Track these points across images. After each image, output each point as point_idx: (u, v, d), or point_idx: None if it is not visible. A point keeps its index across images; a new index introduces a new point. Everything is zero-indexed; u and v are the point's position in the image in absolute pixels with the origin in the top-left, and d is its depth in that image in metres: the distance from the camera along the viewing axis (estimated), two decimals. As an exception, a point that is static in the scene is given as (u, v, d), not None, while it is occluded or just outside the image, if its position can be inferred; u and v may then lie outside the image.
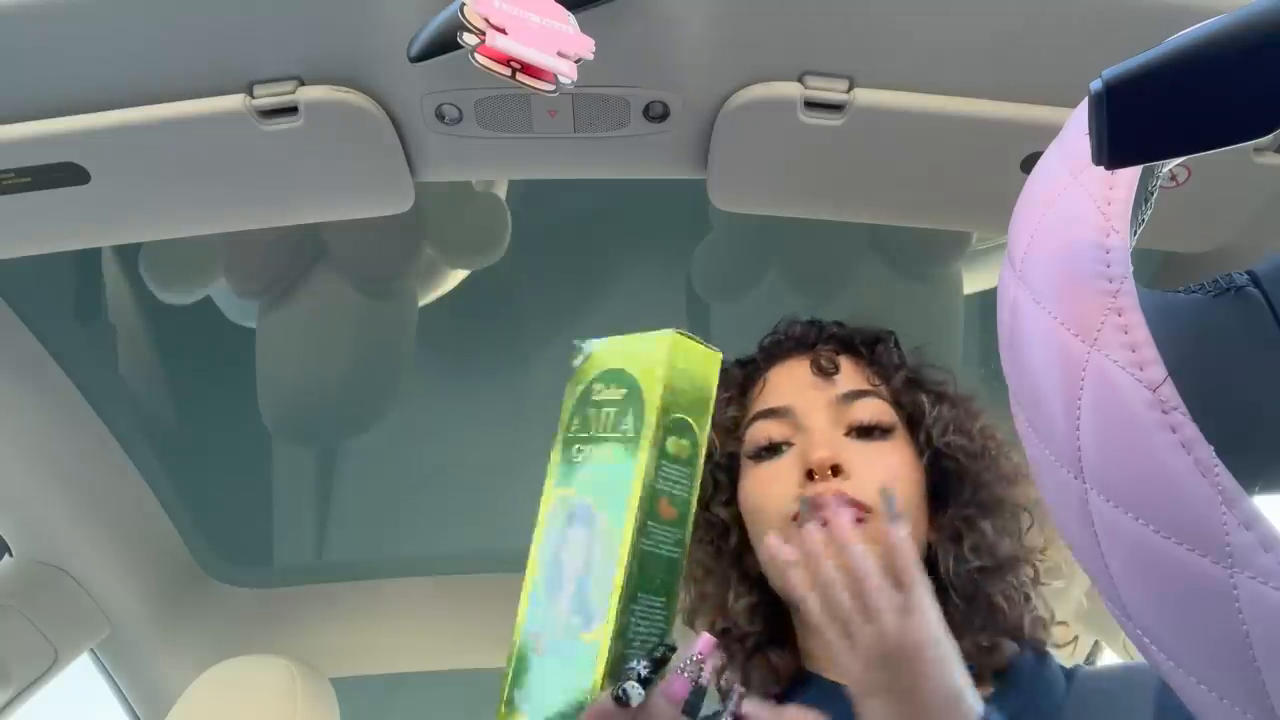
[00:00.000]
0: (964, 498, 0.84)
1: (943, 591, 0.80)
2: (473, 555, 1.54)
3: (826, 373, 0.87)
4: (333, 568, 1.61)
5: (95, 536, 1.29)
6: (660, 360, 0.53)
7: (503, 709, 0.52)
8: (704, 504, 0.85)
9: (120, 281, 1.36)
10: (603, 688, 0.49)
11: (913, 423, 0.87)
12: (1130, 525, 0.34)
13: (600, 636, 0.49)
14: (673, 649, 0.54)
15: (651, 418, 0.51)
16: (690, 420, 0.53)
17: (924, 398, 0.87)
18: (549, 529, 0.53)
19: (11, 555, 1.27)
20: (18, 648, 1.18)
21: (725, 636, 0.84)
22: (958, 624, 0.78)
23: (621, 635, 0.49)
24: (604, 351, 0.56)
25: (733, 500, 0.87)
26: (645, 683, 0.50)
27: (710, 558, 0.87)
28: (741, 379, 0.92)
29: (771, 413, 0.86)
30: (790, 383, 0.88)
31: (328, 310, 1.39)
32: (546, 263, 1.44)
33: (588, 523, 0.51)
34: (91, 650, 1.35)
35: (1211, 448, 0.33)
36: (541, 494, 0.54)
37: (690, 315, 1.48)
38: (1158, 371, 0.35)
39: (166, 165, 0.82)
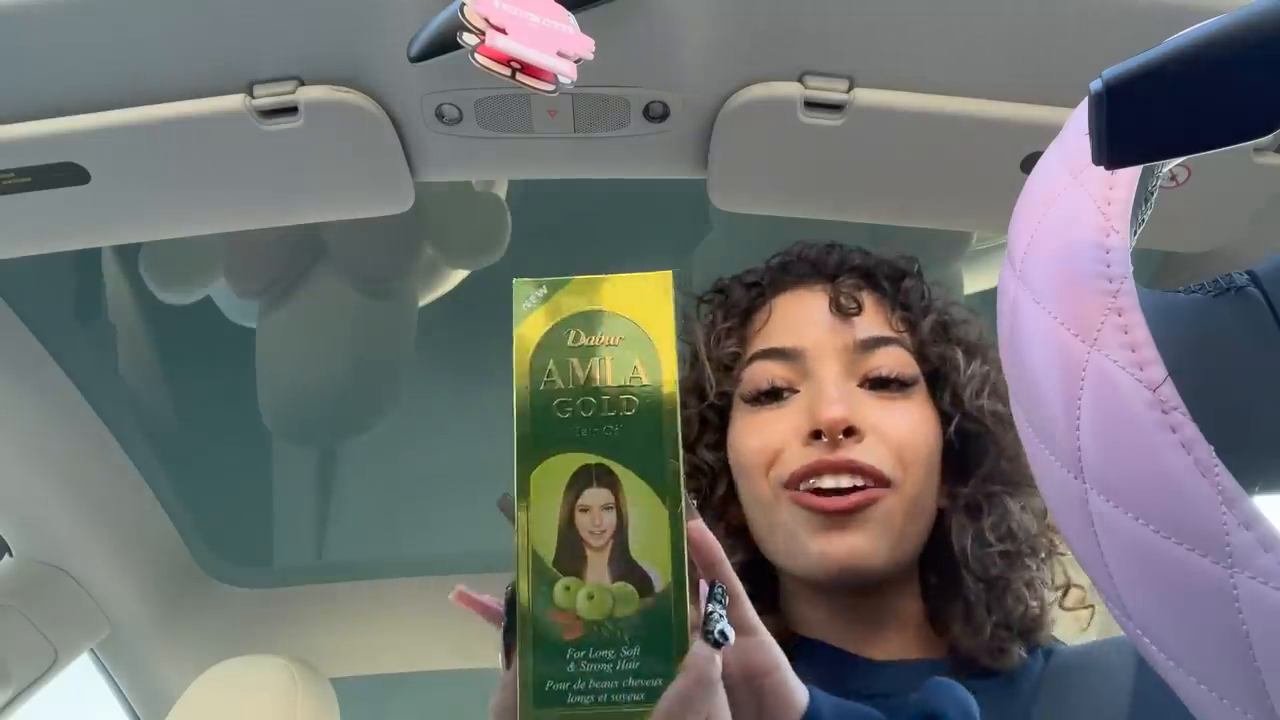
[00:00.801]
0: (987, 469, 0.75)
1: (953, 572, 0.74)
2: (473, 555, 1.54)
3: (846, 311, 0.76)
4: (333, 568, 1.60)
5: (95, 536, 1.29)
6: (662, 298, 0.50)
7: (528, 705, 0.46)
8: (689, 446, 0.77)
9: (120, 281, 1.36)
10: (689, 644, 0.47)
11: (937, 377, 0.77)
12: (1130, 525, 0.34)
13: (672, 595, 0.46)
14: (724, 590, 0.50)
15: (671, 359, 0.49)
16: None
17: (956, 351, 0.76)
18: (540, 498, 0.47)
19: (11, 555, 1.27)
20: (18, 648, 1.18)
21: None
22: (970, 612, 0.73)
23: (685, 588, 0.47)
24: (570, 293, 0.51)
25: (721, 445, 0.78)
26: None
27: (695, 503, 0.74)
28: (745, 304, 0.81)
29: (777, 353, 0.76)
30: (802, 317, 0.77)
31: (328, 310, 1.39)
32: (546, 263, 1.43)
33: (607, 484, 0.47)
34: (91, 650, 1.34)
35: (1211, 448, 0.33)
36: (515, 460, 0.48)
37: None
38: (1158, 371, 0.35)
39: (166, 165, 0.82)
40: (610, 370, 0.49)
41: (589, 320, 0.50)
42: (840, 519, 0.70)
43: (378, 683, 1.55)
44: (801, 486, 0.71)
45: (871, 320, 0.77)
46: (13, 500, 1.23)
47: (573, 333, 0.50)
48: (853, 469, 0.70)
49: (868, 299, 0.78)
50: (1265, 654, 0.31)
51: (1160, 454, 0.34)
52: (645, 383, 0.48)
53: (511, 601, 0.49)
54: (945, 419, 0.76)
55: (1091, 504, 0.36)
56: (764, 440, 0.74)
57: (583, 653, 0.46)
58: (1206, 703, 0.33)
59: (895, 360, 0.75)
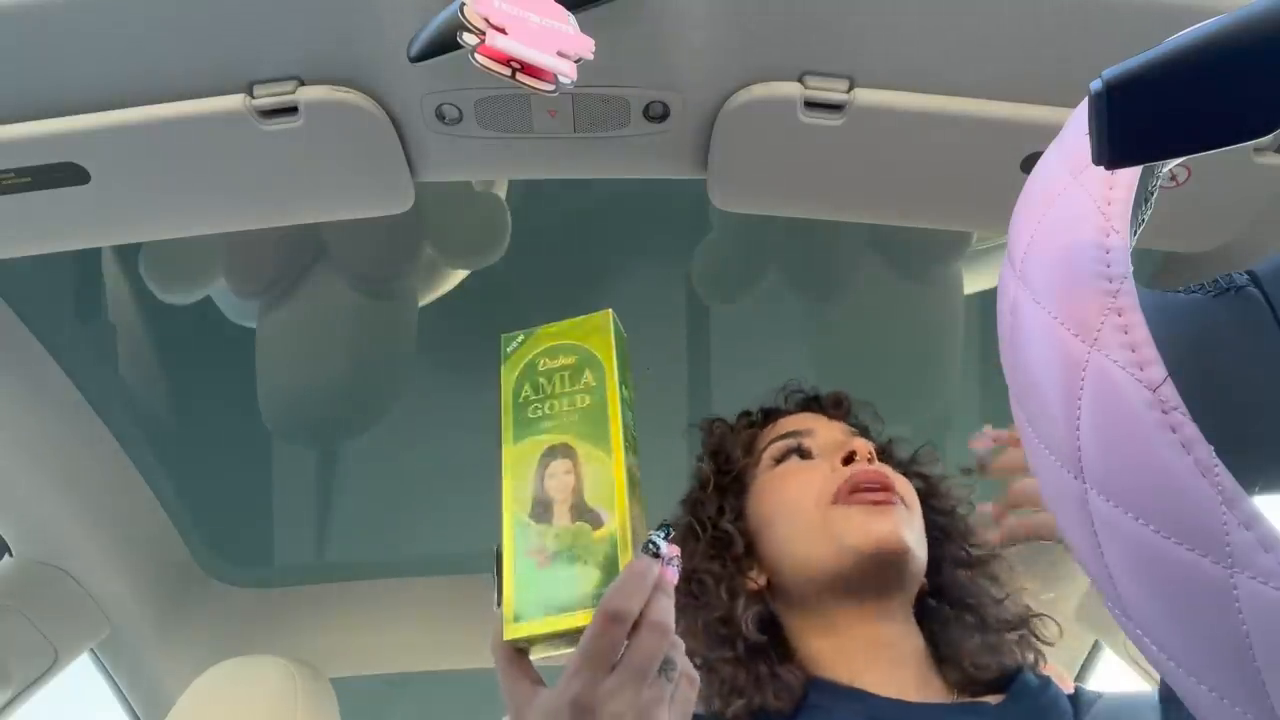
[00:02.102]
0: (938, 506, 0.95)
1: (940, 614, 0.89)
2: (472, 555, 1.54)
3: (835, 415, 0.98)
4: (333, 568, 1.60)
5: (95, 536, 1.29)
6: (605, 327, 0.67)
7: (511, 624, 0.59)
8: (712, 522, 0.93)
9: (120, 281, 1.36)
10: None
11: (905, 471, 0.96)
12: (1130, 525, 0.34)
13: (616, 524, 0.60)
14: (671, 529, 0.62)
15: (613, 367, 0.65)
16: (627, 376, 0.67)
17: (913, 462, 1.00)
18: (519, 475, 0.63)
19: (11, 555, 1.27)
20: (18, 648, 1.18)
21: (727, 657, 0.85)
22: (954, 630, 0.86)
23: (629, 528, 0.60)
24: (539, 335, 0.69)
25: (740, 517, 0.93)
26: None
27: (717, 567, 0.90)
28: (749, 421, 1.01)
29: (796, 433, 0.94)
30: (804, 419, 0.97)
31: (328, 310, 1.39)
32: (546, 263, 1.44)
33: (567, 455, 0.63)
34: (91, 650, 1.35)
35: (1211, 448, 0.33)
36: (501, 455, 0.65)
37: (690, 315, 1.48)
38: (1158, 371, 0.35)
39: (166, 165, 0.82)
40: (568, 380, 0.66)
41: (552, 350, 0.68)
42: (884, 509, 0.85)
43: (378, 683, 1.55)
44: (847, 497, 0.85)
45: (853, 423, 0.99)
46: (13, 500, 1.23)
47: (541, 361, 0.68)
48: (884, 481, 0.86)
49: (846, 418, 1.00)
50: (1265, 654, 0.31)
51: (1160, 454, 0.34)
52: (593, 384, 0.65)
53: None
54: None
55: (1091, 504, 0.36)
56: (803, 481, 0.89)
57: (549, 576, 0.60)
58: (1206, 703, 0.33)
59: (878, 444, 0.94)
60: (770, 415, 1.01)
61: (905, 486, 0.89)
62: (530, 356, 0.68)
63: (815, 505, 0.86)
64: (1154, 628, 0.35)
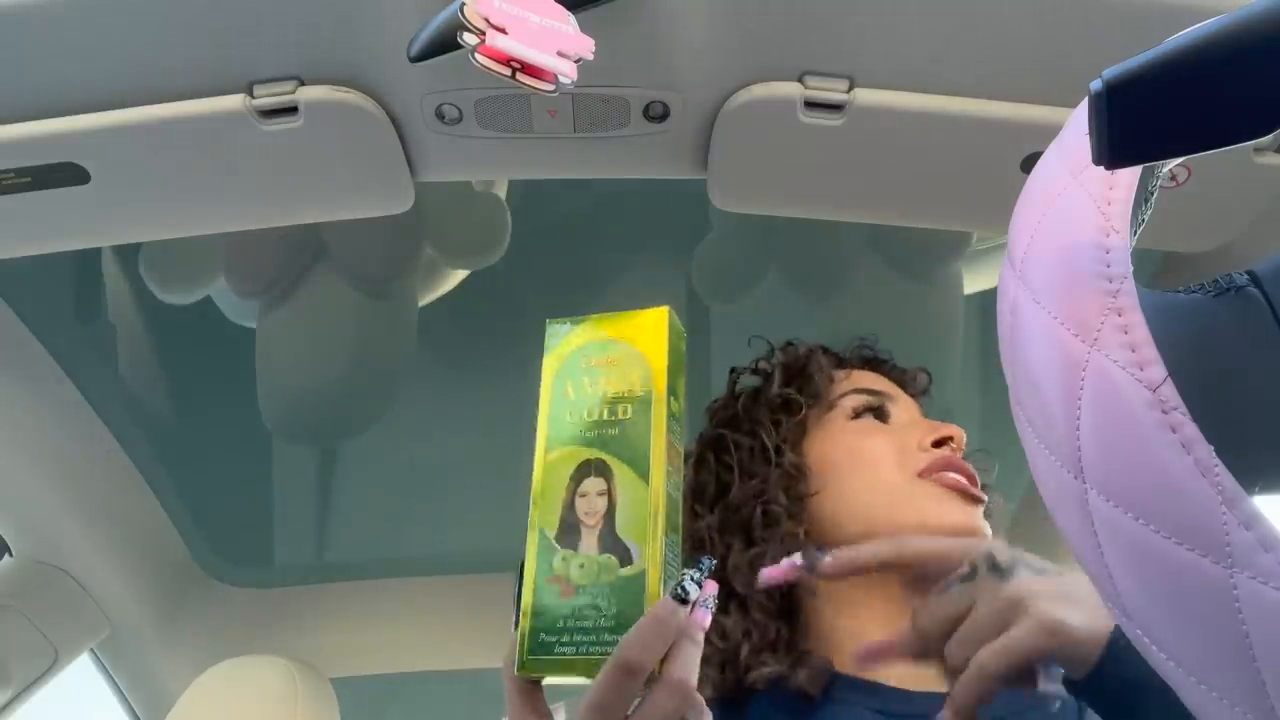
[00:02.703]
0: None
1: None
2: (473, 555, 1.54)
3: (913, 392, 0.95)
4: (333, 568, 1.60)
5: (95, 536, 1.29)
6: (658, 328, 0.61)
7: (525, 657, 0.55)
8: (778, 450, 0.87)
9: (120, 281, 1.36)
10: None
11: None
12: (1130, 525, 0.34)
13: (645, 563, 0.55)
14: (713, 565, 0.57)
15: (663, 378, 0.59)
16: (678, 384, 0.61)
17: None
18: (549, 488, 0.58)
19: (11, 555, 1.27)
20: (18, 648, 1.18)
21: (770, 606, 0.82)
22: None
23: (660, 566, 0.56)
24: (586, 327, 0.63)
25: (798, 448, 0.88)
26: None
27: (783, 502, 0.84)
28: (827, 362, 0.95)
29: (874, 392, 0.91)
30: (885, 382, 0.94)
31: (328, 310, 1.39)
32: (546, 263, 1.44)
33: (603, 474, 0.58)
34: (91, 650, 1.34)
35: (1211, 448, 0.33)
36: (534, 459, 0.59)
37: (690, 315, 1.48)
38: (1158, 371, 0.35)
39: (166, 165, 0.82)
40: (613, 383, 0.60)
41: (599, 347, 0.62)
42: (975, 501, 0.83)
43: (378, 683, 1.55)
44: (937, 477, 0.83)
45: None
46: (13, 500, 1.23)
47: (586, 357, 0.62)
48: (972, 476, 0.83)
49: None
50: (1265, 654, 0.31)
51: (1160, 454, 0.34)
52: (639, 393, 0.59)
53: (521, 573, 0.58)
54: None
55: (1091, 504, 0.36)
56: (884, 443, 0.86)
57: (570, 611, 0.56)
58: (1206, 703, 0.33)
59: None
60: (841, 364, 0.96)
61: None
62: (574, 350, 0.62)
63: (899, 471, 0.83)
64: (1154, 628, 0.35)
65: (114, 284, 1.37)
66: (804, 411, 0.90)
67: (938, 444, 0.84)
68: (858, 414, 0.89)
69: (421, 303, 1.44)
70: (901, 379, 0.96)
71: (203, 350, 1.48)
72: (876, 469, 0.84)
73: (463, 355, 1.55)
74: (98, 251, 1.31)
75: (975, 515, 0.82)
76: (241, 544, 1.55)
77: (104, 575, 1.31)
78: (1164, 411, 0.34)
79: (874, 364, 0.98)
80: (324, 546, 1.65)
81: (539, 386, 0.62)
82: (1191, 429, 0.34)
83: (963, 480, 0.83)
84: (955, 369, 1.41)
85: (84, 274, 1.34)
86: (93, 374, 1.27)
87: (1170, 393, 0.34)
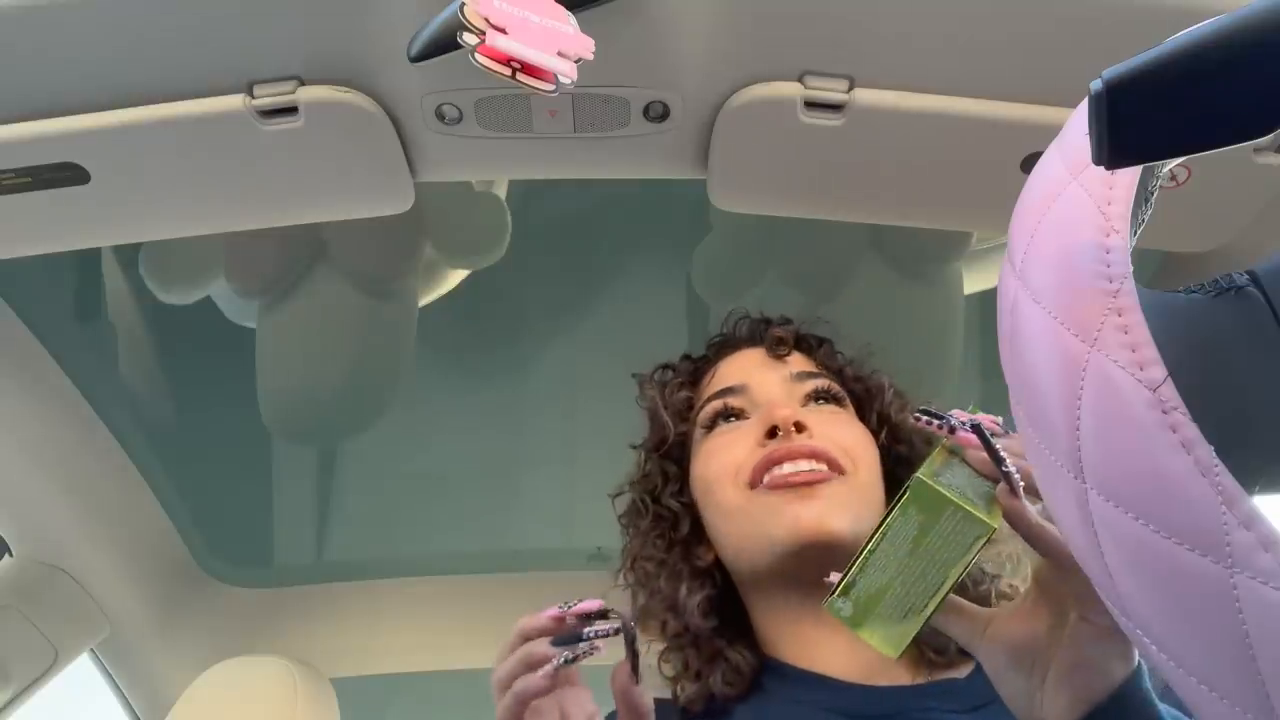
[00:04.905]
0: None
1: None
2: (473, 555, 1.54)
3: (779, 355, 0.90)
4: (333, 568, 1.60)
5: (95, 536, 1.29)
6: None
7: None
8: (654, 496, 0.89)
9: (120, 281, 1.36)
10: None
11: (862, 406, 0.90)
12: (1130, 525, 0.34)
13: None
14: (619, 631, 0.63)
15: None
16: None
17: (873, 383, 0.92)
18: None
19: (11, 555, 1.27)
20: (18, 648, 1.18)
21: (680, 640, 0.84)
22: None
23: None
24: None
25: (683, 490, 0.89)
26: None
27: (661, 551, 0.87)
28: (691, 370, 0.95)
29: (727, 390, 0.88)
30: (742, 367, 0.91)
31: (328, 310, 1.39)
32: (546, 263, 1.44)
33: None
34: (91, 650, 1.34)
35: (1211, 448, 0.33)
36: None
37: (690, 315, 1.48)
38: (1158, 371, 0.35)
39: (166, 165, 0.82)
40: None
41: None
42: (806, 491, 0.78)
43: (378, 683, 1.55)
44: (765, 479, 0.79)
45: (800, 362, 0.91)
46: (13, 500, 1.23)
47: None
48: (808, 454, 0.79)
49: (794, 351, 0.92)
50: (1265, 654, 0.31)
51: (1160, 454, 0.34)
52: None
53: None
54: (875, 438, 0.87)
55: (1091, 504, 0.36)
56: (727, 454, 0.84)
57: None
58: (1206, 703, 0.33)
59: (826, 383, 0.88)
60: (719, 352, 0.94)
61: (844, 444, 0.82)
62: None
63: (735, 486, 0.81)
64: (1154, 627, 0.35)
65: (114, 284, 1.37)
66: (668, 444, 0.90)
67: (771, 434, 0.81)
68: (710, 426, 0.88)
69: (422, 303, 1.44)
70: (765, 338, 0.92)
71: (203, 350, 1.48)
72: (718, 494, 0.83)
73: (463, 355, 1.55)
74: (98, 251, 1.31)
75: (813, 507, 0.77)
76: (241, 544, 1.55)
77: (104, 575, 1.31)
78: (1164, 412, 0.34)
79: (730, 343, 0.95)
80: (323, 546, 1.65)
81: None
82: (1191, 429, 0.34)
83: (794, 474, 0.78)
84: (955, 369, 1.41)
85: (84, 274, 1.34)
86: (93, 374, 1.27)
87: (1170, 393, 0.34)
